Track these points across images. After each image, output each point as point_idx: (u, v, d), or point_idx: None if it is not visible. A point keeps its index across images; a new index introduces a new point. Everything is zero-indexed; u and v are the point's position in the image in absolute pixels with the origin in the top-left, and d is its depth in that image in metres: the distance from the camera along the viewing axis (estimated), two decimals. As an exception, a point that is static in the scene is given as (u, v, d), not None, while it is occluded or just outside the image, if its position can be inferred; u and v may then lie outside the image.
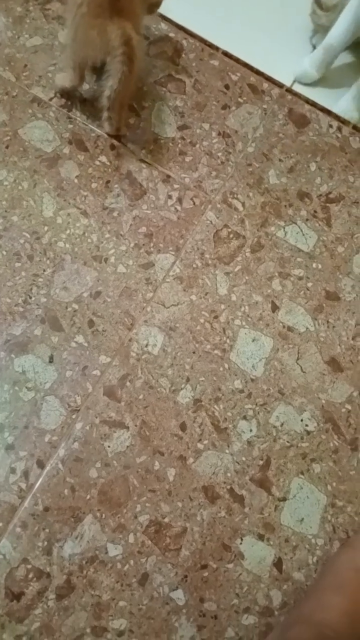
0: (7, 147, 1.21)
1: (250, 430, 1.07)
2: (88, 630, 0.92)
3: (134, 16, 1.05)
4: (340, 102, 1.37)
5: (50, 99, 1.26)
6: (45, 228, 1.15)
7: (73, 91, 1.24)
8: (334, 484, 1.06)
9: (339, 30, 1.31)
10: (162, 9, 1.40)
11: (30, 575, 0.94)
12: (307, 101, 1.37)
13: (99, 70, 1.15)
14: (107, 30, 1.00)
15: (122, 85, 1.08)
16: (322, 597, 0.89)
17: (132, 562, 0.96)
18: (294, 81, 1.39)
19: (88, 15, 1.05)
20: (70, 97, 1.25)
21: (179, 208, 1.21)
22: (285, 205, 1.25)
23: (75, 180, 1.20)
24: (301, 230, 1.23)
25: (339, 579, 0.92)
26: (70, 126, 1.24)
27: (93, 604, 0.94)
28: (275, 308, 1.16)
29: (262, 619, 0.97)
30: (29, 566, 0.94)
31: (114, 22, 1.00)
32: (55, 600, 0.93)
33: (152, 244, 1.18)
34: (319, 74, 1.39)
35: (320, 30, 1.41)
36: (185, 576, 0.97)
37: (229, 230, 1.21)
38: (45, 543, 0.95)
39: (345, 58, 1.45)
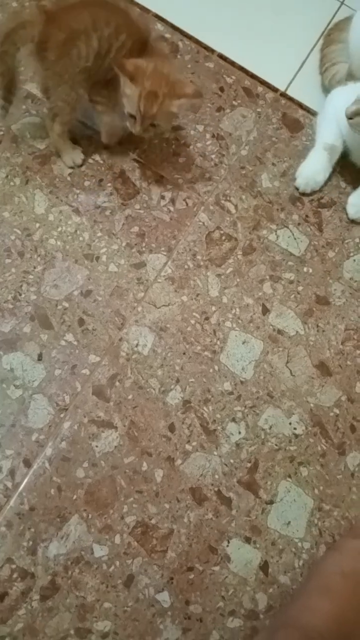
0: (-1, 142, 1.20)
1: (239, 433, 1.07)
2: (72, 631, 0.91)
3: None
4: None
5: (44, 96, 1.25)
6: (37, 225, 1.14)
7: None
8: (321, 487, 1.06)
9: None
10: (158, 9, 1.40)
11: (15, 576, 0.92)
12: (301, 106, 1.37)
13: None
14: None
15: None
16: (308, 601, 0.89)
17: (117, 563, 0.96)
18: (287, 87, 1.39)
19: None
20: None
21: (171, 209, 1.21)
22: (278, 209, 1.25)
23: (68, 178, 1.19)
24: (293, 234, 1.23)
25: (326, 583, 0.91)
26: (64, 123, 1.23)
27: (77, 605, 0.92)
28: (265, 311, 1.16)
29: (248, 622, 0.96)
30: (14, 566, 0.93)
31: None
32: (39, 601, 0.92)
33: (144, 244, 1.17)
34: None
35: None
36: (171, 578, 0.96)
37: (221, 232, 1.21)
38: (31, 543, 0.94)
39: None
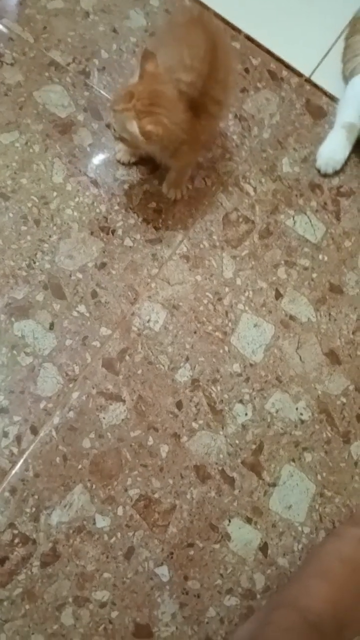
0: (20, 108, 1.18)
1: (246, 414, 1.07)
2: (70, 599, 0.91)
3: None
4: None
5: (68, 64, 1.23)
6: (54, 194, 1.13)
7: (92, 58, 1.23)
8: (324, 474, 1.06)
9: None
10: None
11: (16, 541, 0.92)
12: (325, 93, 1.36)
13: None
14: None
15: None
16: (307, 584, 0.90)
17: (119, 534, 0.96)
18: (312, 73, 1.38)
19: None
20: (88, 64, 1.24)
21: (190, 187, 1.20)
22: (296, 195, 1.24)
23: (88, 149, 1.18)
24: (310, 221, 1.23)
25: (325, 568, 0.92)
26: (87, 93, 1.22)
27: (77, 574, 0.93)
28: (279, 296, 1.16)
29: (244, 601, 0.97)
30: (15, 531, 0.93)
31: None
32: (39, 567, 0.92)
33: (160, 220, 1.16)
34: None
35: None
36: (171, 553, 0.96)
37: (239, 214, 1.20)
38: (33, 509, 0.94)
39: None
